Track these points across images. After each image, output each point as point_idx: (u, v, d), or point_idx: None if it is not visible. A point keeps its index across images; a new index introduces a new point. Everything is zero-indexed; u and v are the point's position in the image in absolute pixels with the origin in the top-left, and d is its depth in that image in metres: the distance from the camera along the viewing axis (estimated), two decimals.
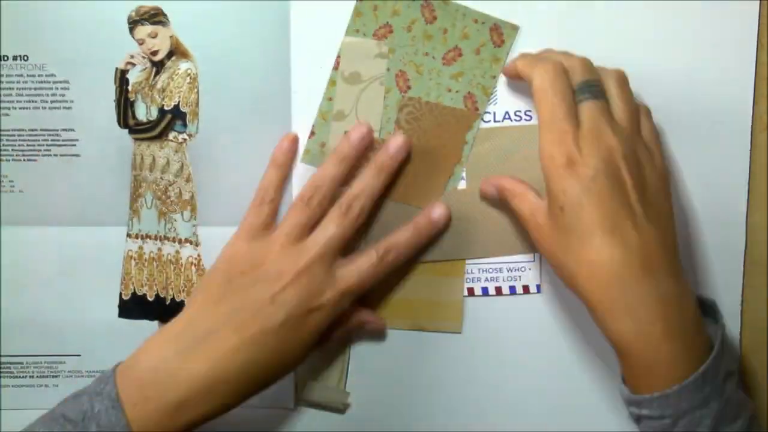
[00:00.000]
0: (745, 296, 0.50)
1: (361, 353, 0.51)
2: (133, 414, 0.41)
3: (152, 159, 0.50)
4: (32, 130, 0.50)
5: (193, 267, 0.51)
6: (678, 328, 0.39)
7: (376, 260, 0.45)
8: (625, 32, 0.49)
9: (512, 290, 0.50)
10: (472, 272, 0.50)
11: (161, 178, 0.50)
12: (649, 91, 0.49)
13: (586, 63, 0.44)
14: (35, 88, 0.49)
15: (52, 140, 0.50)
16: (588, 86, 0.42)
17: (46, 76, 0.49)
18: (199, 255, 0.51)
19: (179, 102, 0.49)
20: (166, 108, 0.50)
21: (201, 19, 0.48)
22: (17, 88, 0.49)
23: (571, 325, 0.50)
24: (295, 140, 0.49)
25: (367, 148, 0.47)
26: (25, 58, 0.49)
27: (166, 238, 0.51)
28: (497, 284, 0.50)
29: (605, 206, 0.39)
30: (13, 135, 0.50)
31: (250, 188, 0.50)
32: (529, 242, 0.48)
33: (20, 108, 0.49)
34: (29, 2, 0.48)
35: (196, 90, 0.49)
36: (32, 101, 0.49)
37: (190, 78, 0.49)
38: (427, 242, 0.48)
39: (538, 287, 0.50)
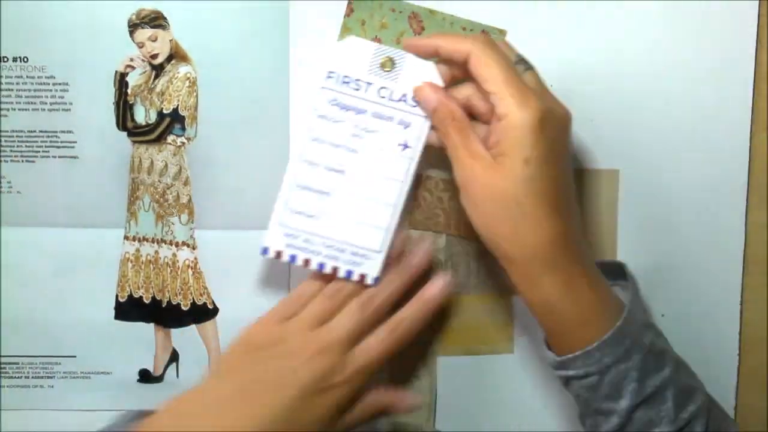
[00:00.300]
0: (745, 296, 0.51)
1: None
2: None
3: (150, 162, 0.50)
4: (31, 131, 0.50)
5: (189, 270, 0.51)
6: (597, 282, 0.42)
7: (386, 336, 0.44)
8: (625, 32, 0.49)
9: (348, 275, 0.47)
10: (313, 243, 0.46)
11: (159, 181, 0.50)
12: (649, 90, 0.49)
13: (502, 43, 0.45)
14: (35, 90, 0.49)
15: (50, 142, 0.50)
16: (520, 59, 0.43)
17: (45, 77, 0.49)
18: (195, 258, 0.51)
19: (178, 105, 0.50)
20: (165, 111, 0.50)
21: (201, 23, 0.49)
22: (17, 90, 0.49)
23: None
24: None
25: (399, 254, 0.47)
26: (25, 59, 0.49)
27: (163, 241, 0.51)
28: (335, 264, 0.47)
29: (562, 170, 0.42)
30: (12, 136, 0.50)
31: (247, 192, 0.50)
32: None
33: (19, 109, 0.49)
34: (30, 4, 0.48)
35: (195, 94, 0.49)
36: (31, 103, 0.49)
37: (190, 81, 0.49)
38: (432, 313, 0.47)
39: (376, 280, 0.47)
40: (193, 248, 0.51)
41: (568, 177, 0.42)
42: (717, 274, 0.50)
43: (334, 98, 0.46)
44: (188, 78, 0.49)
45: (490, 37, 0.44)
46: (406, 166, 0.46)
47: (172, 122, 0.50)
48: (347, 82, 0.46)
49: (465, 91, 0.44)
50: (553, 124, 0.41)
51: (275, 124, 0.50)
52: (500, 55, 0.42)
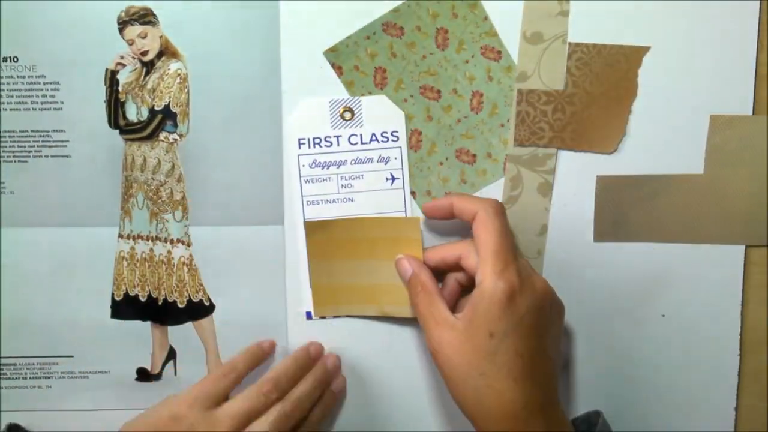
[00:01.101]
0: (745, 296, 0.50)
1: (359, 349, 0.52)
2: None
3: (143, 159, 0.50)
4: (23, 131, 0.50)
5: (185, 267, 0.51)
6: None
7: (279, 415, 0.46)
8: (624, 32, 0.49)
9: None
10: None
11: (152, 178, 0.50)
12: (649, 90, 0.49)
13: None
14: (26, 90, 0.49)
15: (43, 141, 0.50)
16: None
17: (36, 77, 0.49)
18: (191, 255, 0.51)
19: (170, 102, 0.49)
20: (156, 108, 0.50)
21: (191, 19, 0.49)
22: (7, 90, 0.49)
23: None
24: (273, 346, 0.51)
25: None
26: (15, 59, 0.49)
27: (158, 238, 0.51)
28: None
29: (533, 344, 0.42)
30: (4, 136, 0.50)
31: (241, 188, 0.50)
32: None
33: (11, 109, 0.49)
34: (19, 3, 0.48)
35: (186, 90, 0.49)
36: (23, 102, 0.49)
37: (181, 78, 0.49)
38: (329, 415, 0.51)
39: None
40: (188, 245, 0.51)
41: (542, 350, 0.43)
42: (717, 274, 0.50)
43: (313, 160, 0.50)
44: (179, 74, 0.49)
45: (502, 206, 0.45)
46: (401, 196, 0.50)
47: (164, 119, 0.50)
48: (318, 143, 0.49)
49: (461, 249, 0.46)
50: (526, 298, 0.42)
51: (267, 119, 0.50)
52: (503, 225, 0.43)
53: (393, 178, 0.50)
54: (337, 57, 0.49)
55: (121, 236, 0.51)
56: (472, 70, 0.49)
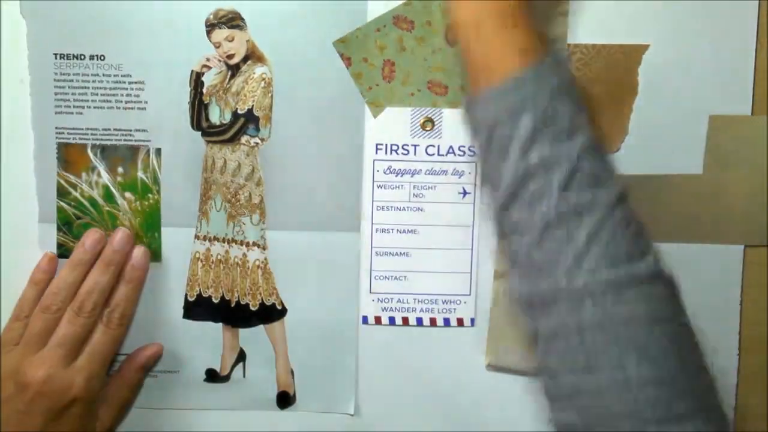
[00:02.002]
0: (745, 296, 0.51)
1: (373, 350, 0.52)
2: None
3: (223, 162, 0.50)
4: (106, 129, 0.50)
5: (259, 270, 0.51)
6: (514, 27, 0.39)
7: (105, 330, 0.47)
8: (625, 33, 0.49)
9: (446, 322, 0.52)
10: (407, 302, 0.51)
11: (232, 181, 0.50)
12: (649, 90, 0.49)
13: None
14: (110, 88, 0.49)
15: (125, 140, 0.50)
16: None
17: (122, 76, 0.49)
18: (266, 259, 0.51)
19: (253, 106, 0.50)
20: (239, 112, 0.50)
21: (278, 24, 0.49)
22: (92, 88, 0.49)
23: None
24: (53, 260, 0.50)
25: (101, 250, 0.49)
26: (102, 57, 0.49)
27: (234, 240, 0.51)
28: (432, 315, 0.52)
29: None
30: (87, 134, 0.50)
31: (319, 194, 0.50)
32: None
33: (95, 107, 0.49)
34: (107, 3, 0.48)
35: (270, 95, 0.49)
36: (107, 101, 0.49)
37: (265, 82, 0.49)
38: (141, 287, 0.50)
39: (473, 321, 0.51)
40: (264, 248, 0.51)
41: None
42: (716, 274, 0.50)
43: (388, 166, 0.50)
44: (264, 79, 0.49)
45: None
46: (470, 211, 0.50)
47: (246, 123, 0.50)
48: (395, 150, 0.49)
49: None
50: None
51: (349, 127, 0.50)
52: None
53: (465, 192, 0.50)
54: (347, 48, 0.49)
55: (197, 237, 0.51)
56: None
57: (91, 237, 0.48)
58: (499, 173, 0.38)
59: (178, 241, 0.51)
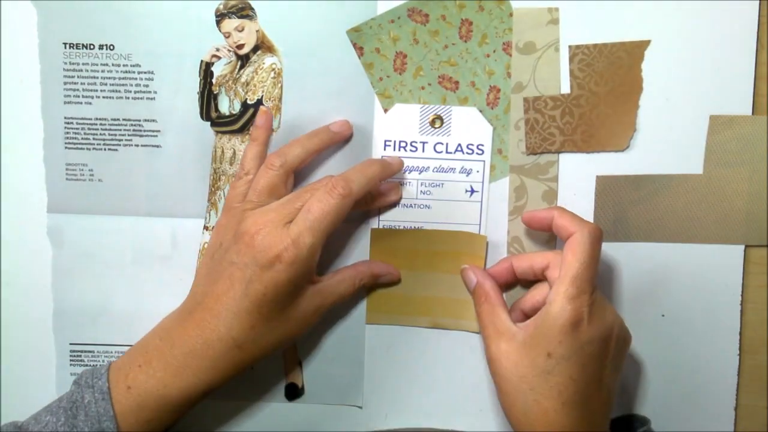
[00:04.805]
0: (745, 296, 0.51)
1: (381, 343, 0.52)
2: (121, 407, 0.43)
3: (233, 152, 0.50)
4: (114, 119, 0.50)
5: None
6: None
7: (324, 195, 0.44)
8: (625, 33, 0.49)
9: None
10: None
11: None
12: (649, 91, 0.49)
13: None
14: (120, 78, 0.49)
15: (134, 130, 0.50)
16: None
17: (131, 66, 0.49)
18: None
19: (262, 96, 0.49)
20: (249, 102, 0.50)
21: (288, 15, 0.49)
22: (102, 78, 0.49)
23: None
24: (267, 115, 0.48)
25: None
26: (111, 47, 0.49)
27: None
28: None
29: (590, 374, 0.43)
30: (95, 124, 0.50)
31: None
32: None
33: (104, 97, 0.49)
34: None
35: (280, 85, 0.49)
36: (116, 91, 0.49)
37: (275, 73, 0.49)
38: (379, 176, 0.47)
39: None
40: None
41: (598, 379, 0.43)
42: (716, 274, 0.51)
43: None
44: (273, 69, 0.49)
45: (600, 233, 0.44)
46: (477, 209, 0.50)
47: (255, 113, 0.50)
48: (404, 146, 0.49)
49: (550, 259, 0.46)
50: (592, 328, 0.42)
51: (359, 117, 0.50)
52: (593, 253, 0.43)
53: (472, 191, 0.50)
54: (359, 37, 0.49)
55: (206, 228, 0.51)
56: (492, 65, 0.49)
57: (341, 121, 0.49)
58: None
59: (187, 232, 0.51)
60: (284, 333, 0.45)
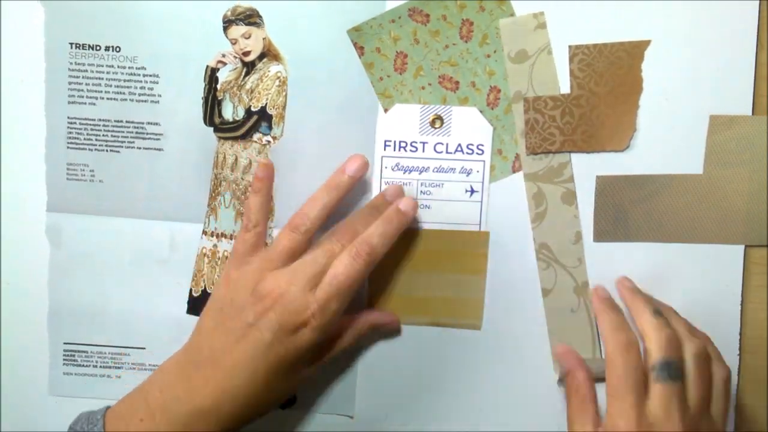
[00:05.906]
0: (745, 296, 0.51)
1: (373, 351, 0.52)
2: None
3: (235, 159, 0.50)
4: (118, 121, 0.50)
5: None
6: None
7: (349, 261, 0.44)
8: (625, 33, 0.49)
9: None
10: None
11: (242, 178, 0.50)
12: (648, 91, 0.49)
13: (669, 337, 0.44)
14: (125, 80, 0.49)
15: (137, 133, 0.50)
16: (666, 366, 0.43)
17: (136, 68, 0.49)
18: None
19: (267, 104, 0.49)
20: (253, 109, 0.50)
21: (295, 23, 0.49)
22: (107, 79, 0.49)
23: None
24: (268, 166, 0.49)
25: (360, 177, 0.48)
26: (117, 49, 0.49)
27: None
28: None
29: None
30: (98, 125, 0.50)
31: None
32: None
33: (108, 98, 0.49)
34: None
35: (284, 93, 0.49)
36: (120, 93, 0.49)
37: (280, 81, 0.49)
38: (398, 234, 0.47)
39: None
40: None
41: None
42: (716, 275, 0.51)
43: (396, 163, 0.50)
44: (279, 77, 0.49)
45: (632, 337, 0.45)
46: (477, 209, 0.50)
47: (259, 120, 0.50)
48: (404, 147, 0.49)
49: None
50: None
51: (362, 128, 0.50)
52: (627, 362, 0.43)
53: (472, 191, 0.50)
54: (360, 37, 0.49)
55: (205, 233, 0.51)
56: (493, 66, 0.49)
57: (354, 163, 0.47)
58: None
59: (186, 236, 0.51)
60: (291, 389, 0.46)
